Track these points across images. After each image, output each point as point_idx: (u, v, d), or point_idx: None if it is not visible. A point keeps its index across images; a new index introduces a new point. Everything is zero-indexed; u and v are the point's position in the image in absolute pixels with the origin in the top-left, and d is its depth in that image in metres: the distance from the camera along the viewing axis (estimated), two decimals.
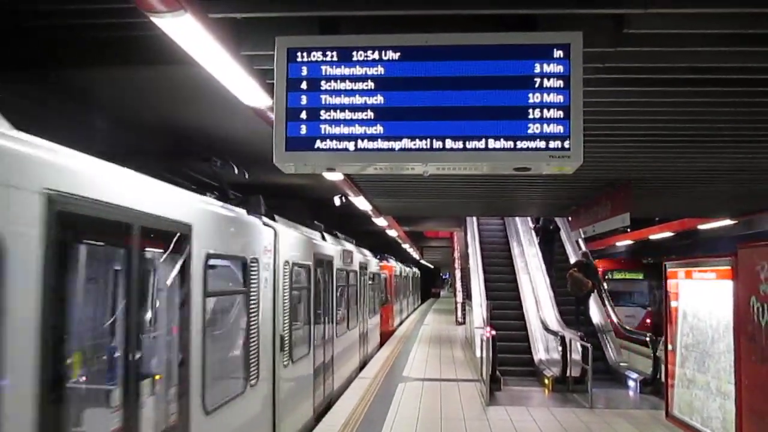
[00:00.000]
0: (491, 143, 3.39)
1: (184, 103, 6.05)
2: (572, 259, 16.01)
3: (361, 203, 10.94)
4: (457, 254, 28.00)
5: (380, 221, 14.86)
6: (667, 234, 21.06)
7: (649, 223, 21.96)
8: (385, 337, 20.00)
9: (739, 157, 7.14)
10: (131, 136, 6.84)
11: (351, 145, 3.45)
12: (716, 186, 9.27)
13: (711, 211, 13.95)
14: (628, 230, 25.12)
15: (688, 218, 17.96)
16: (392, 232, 19.96)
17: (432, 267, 59.19)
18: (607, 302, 14.75)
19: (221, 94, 4.71)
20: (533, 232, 18.15)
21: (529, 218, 18.84)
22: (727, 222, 15.11)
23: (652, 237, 22.44)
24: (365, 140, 3.44)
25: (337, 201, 12.40)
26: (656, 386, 10.67)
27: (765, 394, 4.58)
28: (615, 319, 14.16)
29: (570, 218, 13.74)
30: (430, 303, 48.34)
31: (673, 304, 6.40)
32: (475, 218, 19.85)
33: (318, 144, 3.47)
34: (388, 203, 11.74)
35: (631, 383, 11.70)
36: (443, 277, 69.06)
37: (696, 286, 5.95)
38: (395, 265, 26.41)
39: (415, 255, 39.74)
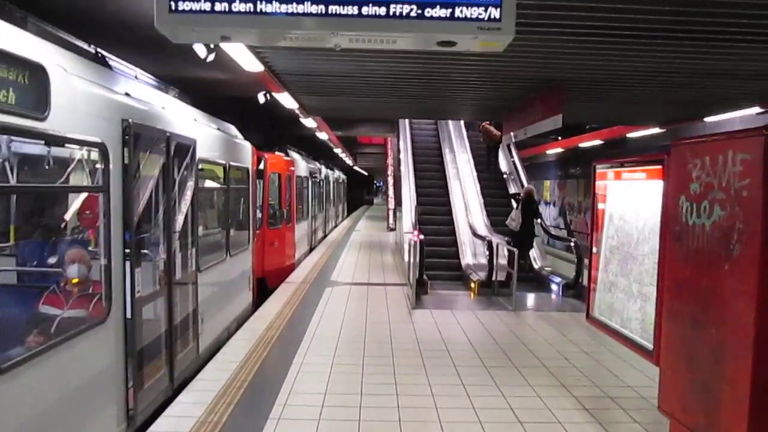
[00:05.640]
0: (412, 10, 2.89)
1: None
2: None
3: (286, 100, 10.27)
4: (390, 161, 27.70)
5: (309, 122, 14.21)
6: (597, 142, 21.30)
7: (579, 131, 22.15)
8: (275, 278, 12.36)
9: (675, 56, 6.89)
10: None
11: (244, 8, 2.88)
12: (648, 89, 9.11)
13: (640, 119, 13.98)
14: (559, 138, 25.42)
15: (618, 126, 18.12)
16: (323, 135, 19.31)
17: (366, 174, 59.46)
18: (513, 150, 17.12)
19: None
20: None
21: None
22: (655, 130, 15.27)
23: (582, 145, 22.69)
24: (262, 3, 2.88)
25: (261, 98, 11.68)
26: (578, 290, 10.91)
27: (685, 293, 4.52)
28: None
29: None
30: (363, 209, 49.43)
31: (600, 206, 6.25)
32: (408, 122, 19.42)
33: (205, 6, 2.88)
34: (315, 101, 11.09)
35: (554, 287, 11.95)
36: (377, 184, 69.71)
37: (625, 187, 5.79)
38: (296, 160, 16.03)
39: (349, 161, 39.28)
